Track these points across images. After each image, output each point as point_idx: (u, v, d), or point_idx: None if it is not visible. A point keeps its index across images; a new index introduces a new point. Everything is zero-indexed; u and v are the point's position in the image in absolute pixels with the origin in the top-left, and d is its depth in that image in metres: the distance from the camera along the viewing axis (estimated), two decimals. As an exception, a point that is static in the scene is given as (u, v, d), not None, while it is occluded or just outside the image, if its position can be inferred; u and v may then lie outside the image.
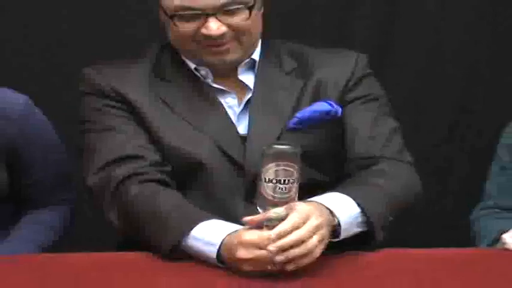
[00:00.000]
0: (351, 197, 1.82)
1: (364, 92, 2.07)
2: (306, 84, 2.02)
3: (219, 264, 1.72)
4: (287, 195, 1.73)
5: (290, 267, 1.68)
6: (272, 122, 1.99)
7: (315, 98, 2.02)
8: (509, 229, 1.98)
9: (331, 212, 1.76)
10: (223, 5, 1.90)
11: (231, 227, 1.77)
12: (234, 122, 1.99)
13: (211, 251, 1.73)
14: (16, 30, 2.67)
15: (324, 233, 1.70)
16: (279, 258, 1.67)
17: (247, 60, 2.01)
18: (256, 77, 2.02)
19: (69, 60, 2.62)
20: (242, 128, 2.00)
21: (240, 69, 2.01)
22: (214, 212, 1.87)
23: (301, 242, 1.67)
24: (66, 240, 2.10)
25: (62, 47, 2.69)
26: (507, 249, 1.93)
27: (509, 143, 2.23)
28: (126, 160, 1.91)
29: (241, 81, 2.01)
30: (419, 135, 2.56)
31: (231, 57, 1.96)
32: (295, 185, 1.74)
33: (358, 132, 2.03)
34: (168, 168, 1.92)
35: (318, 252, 1.68)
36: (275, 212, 1.71)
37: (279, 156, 1.74)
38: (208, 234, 1.76)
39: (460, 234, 2.23)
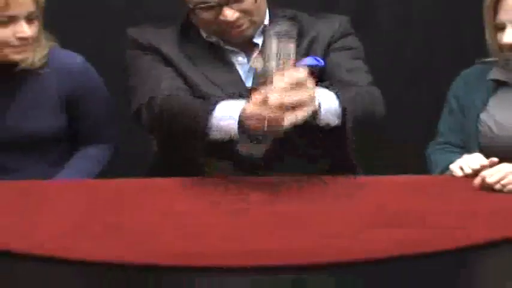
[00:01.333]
0: (334, 92, 2.09)
1: (343, 44, 2.38)
2: (300, 44, 2.31)
3: (240, 135, 1.99)
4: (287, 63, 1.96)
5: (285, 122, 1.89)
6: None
7: (304, 55, 2.33)
8: (455, 160, 2.30)
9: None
10: None
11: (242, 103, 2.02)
12: (242, 77, 2.32)
13: (234, 124, 2.00)
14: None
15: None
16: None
17: (260, 29, 2.33)
18: (263, 38, 2.33)
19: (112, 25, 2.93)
20: (251, 81, 2.32)
21: (255, 35, 2.34)
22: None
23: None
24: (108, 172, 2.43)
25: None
26: (453, 176, 2.27)
27: (456, 92, 2.53)
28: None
29: (252, 41, 2.33)
30: (387, 85, 2.65)
31: (247, 33, 2.31)
32: (293, 56, 1.96)
33: (338, 67, 2.33)
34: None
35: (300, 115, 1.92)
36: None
37: (279, 33, 1.96)
38: (228, 111, 2.03)
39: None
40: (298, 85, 1.93)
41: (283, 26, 1.99)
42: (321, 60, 2.34)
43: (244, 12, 2.27)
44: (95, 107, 2.42)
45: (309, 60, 2.33)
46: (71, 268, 1.70)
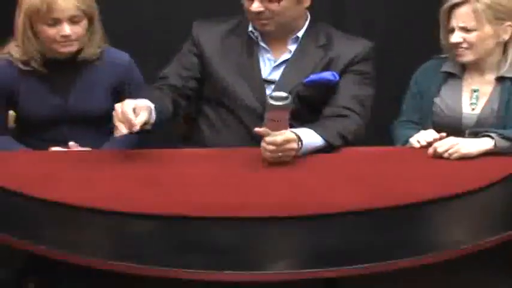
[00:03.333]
0: (316, 131, 2.49)
1: (359, 68, 2.70)
2: (325, 56, 2.67)
3: None
4: (281, 127, 2.35)
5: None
6: (296, 74, 2.66)
7: (327, 67, 2.67)
8: (414, 135, 2.64)
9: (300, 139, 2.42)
10: None
11: None
12: (262, 71, 2.66)
13: None
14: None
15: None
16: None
17: (293, 37, 2.67)
18: (297, 46, 2.68)
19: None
20: (273, 76, 2.67)
21: (288, 41, 2.68)
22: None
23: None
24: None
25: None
26: (412, 147, 2.61)
27: (417, 80, 2.87)
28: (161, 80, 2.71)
29: (286, 47, 2.66)
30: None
31: (268, 28, 2.65)
32: (287, 122, 2.35)
33: (345, 91, 2.66)
34: (180, 90, 2.67)
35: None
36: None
37: (277, 107, 2.32)
38: None
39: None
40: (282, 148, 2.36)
41: (280, 104, 2.31)
42: (337, 76, 2.67)
43: (269, 10, 2.59)
44: (134, 91, 2.77)
45: (327, 75, 2.68)
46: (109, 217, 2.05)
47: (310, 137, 2.51)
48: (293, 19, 2.69)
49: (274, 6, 2.61)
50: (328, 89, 2.68)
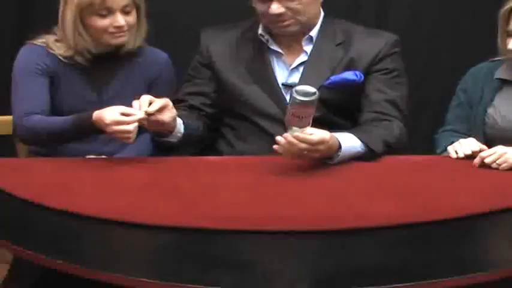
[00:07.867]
0: (356, 136, 2.40)
1: (386, 66, 2.58)
2: (345, 55, 2.56)
3: None
4: (305, 123, 2.25)
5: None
6: (316, 77, 2.54)
7: (348, 67, 2.55)
8: (454, 142, 2.52)
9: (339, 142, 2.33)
10: None
11: None
12: (277, 75, 2.57)
13: None
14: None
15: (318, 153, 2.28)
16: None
17: (307, 37, 2.56)
18: (313, 46, 2.57)
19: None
20: (292, 79, 2.57)
21: (303, 42, 2.57)
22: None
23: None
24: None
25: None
26: (448, 156, 2.51)
27: (465, 86, 2.72)
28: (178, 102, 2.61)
29: (302, 49, 2.56)
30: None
31: (290, 29, 2.54)
32: (311, 118, 2.24)
33: (376, 95, 2.56)
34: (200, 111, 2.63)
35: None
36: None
37: (303, 103, 2.22)
38: None
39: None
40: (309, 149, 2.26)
41: (306, 99, 2.22)
42: (361, 76, 2.56)
43: (290, 10, 2.50)
44: (165, 93, 2.67)
45: (349, 75, 2.57)
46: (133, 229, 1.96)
47: (350, 141, 2.41)
48: (312, 16, 2.59)
49: (294, 4, 2.50)
50: (353, 90, 2.58)
